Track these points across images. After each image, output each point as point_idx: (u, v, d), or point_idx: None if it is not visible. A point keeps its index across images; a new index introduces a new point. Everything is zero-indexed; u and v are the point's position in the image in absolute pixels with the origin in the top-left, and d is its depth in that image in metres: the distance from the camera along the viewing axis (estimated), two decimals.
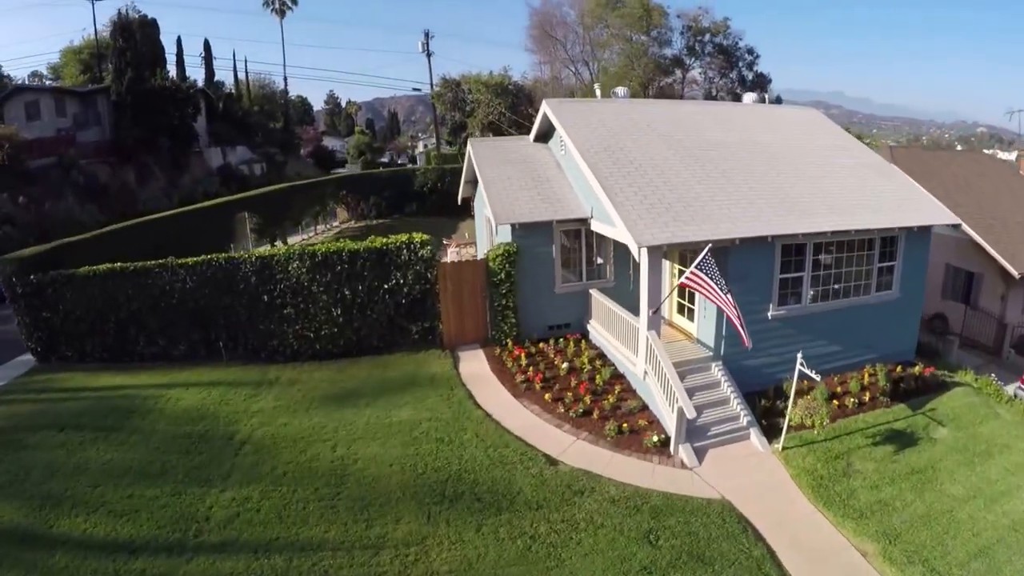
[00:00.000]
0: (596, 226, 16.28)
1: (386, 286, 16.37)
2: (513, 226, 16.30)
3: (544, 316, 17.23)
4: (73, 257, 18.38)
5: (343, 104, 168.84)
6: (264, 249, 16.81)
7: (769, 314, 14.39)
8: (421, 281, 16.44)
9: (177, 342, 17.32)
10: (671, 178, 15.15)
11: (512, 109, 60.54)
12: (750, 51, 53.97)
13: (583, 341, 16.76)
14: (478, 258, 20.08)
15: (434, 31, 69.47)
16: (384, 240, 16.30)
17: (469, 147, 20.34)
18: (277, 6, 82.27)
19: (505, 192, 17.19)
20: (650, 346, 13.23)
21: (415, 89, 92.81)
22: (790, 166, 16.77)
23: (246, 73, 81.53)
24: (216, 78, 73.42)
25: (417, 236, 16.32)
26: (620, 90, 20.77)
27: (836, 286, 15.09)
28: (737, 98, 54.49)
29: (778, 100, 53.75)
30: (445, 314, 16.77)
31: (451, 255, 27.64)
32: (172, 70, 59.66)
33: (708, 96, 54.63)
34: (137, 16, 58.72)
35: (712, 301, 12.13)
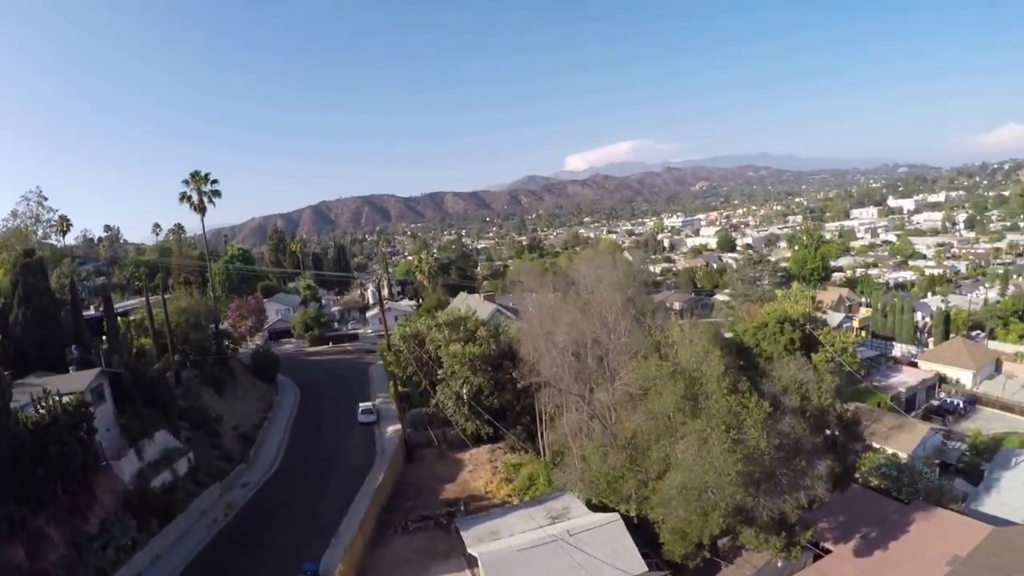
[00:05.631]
0: None
1: None
2: None
3: None
4: None
5: (286, 239, 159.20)
6: None
7: None
8: None
9: None
10: None
11: (496, 367, 49.74)
12: None
13: None
14: None
15: None
16: None
17: None
18: (196, 200, 72.43)
19: None
20: None
21: (368, 351, 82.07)
22: None
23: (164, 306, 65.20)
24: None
25: None
26: None
27: None
28: None
29: None
30: None
31: None
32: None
33: None
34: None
35: None
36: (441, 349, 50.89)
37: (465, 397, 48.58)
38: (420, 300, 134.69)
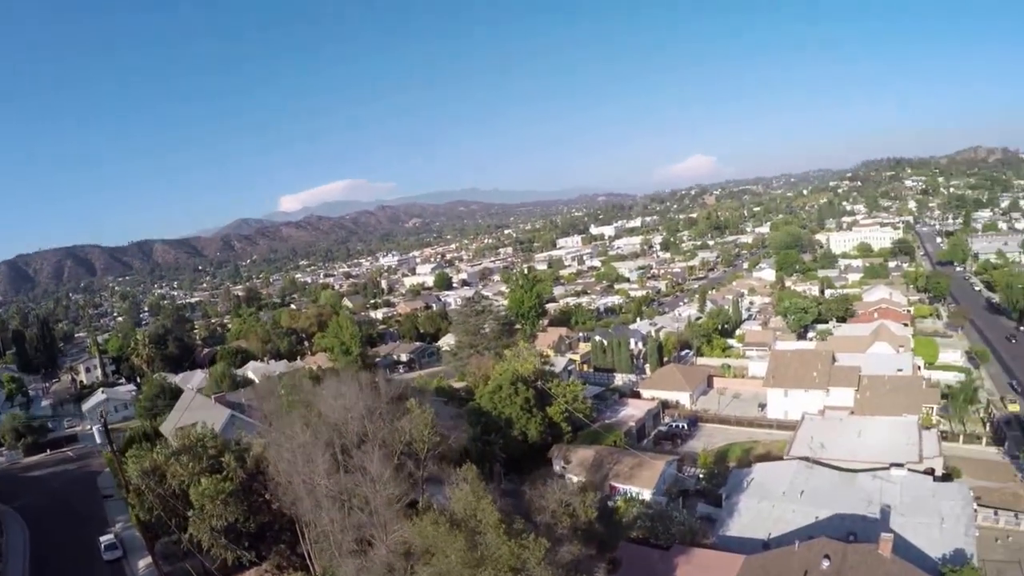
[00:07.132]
0: None
1: None
2: None
3: None
4: None
5: None
6: None
7: None
8: None
9: None
10: None
11: (248, 491, 47.11)
12: None
13: None
14: None
15: None
16: None
17: None
18: None
19: None
20: None
21: (90, 454, 76.80)
22: None
23: None
24: None
25: None
26: None
27: None
28: None
29: None
30: None
31: None
32: None
33: None
34: None
35: None
36: (188, 486, 47.06)
37: (220, 529, 45.98)
38: (140, 383, 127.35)
